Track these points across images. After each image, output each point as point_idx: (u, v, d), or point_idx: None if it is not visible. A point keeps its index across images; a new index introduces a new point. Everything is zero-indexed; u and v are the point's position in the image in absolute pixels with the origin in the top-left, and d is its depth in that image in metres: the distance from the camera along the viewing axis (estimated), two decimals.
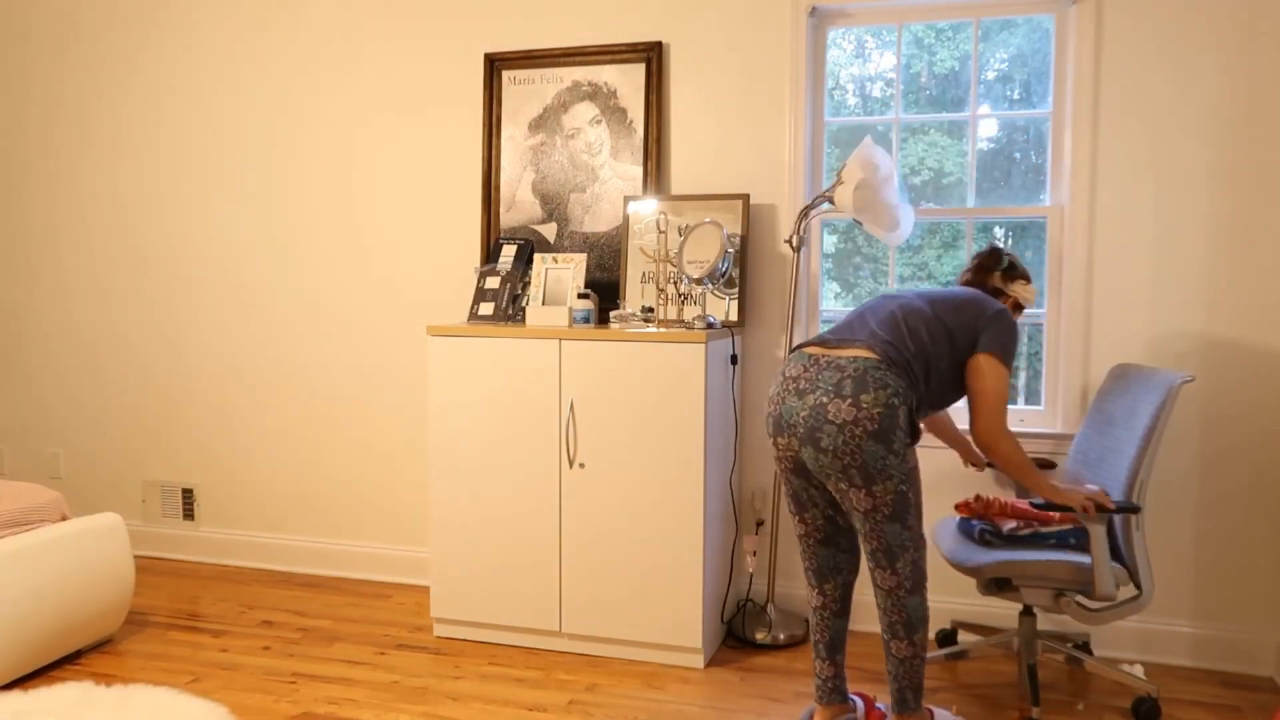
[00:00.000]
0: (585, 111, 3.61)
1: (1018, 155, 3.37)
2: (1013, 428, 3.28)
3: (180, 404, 4.25)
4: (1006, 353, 2.47)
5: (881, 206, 3.05)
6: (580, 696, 2.92)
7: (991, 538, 2.75)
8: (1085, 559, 2.64)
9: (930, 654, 3.04)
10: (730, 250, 3.17)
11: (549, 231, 3.67)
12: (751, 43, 3.45)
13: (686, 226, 3.33)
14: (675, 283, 3.24)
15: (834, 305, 3.55)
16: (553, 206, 3.66)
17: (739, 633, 3.35)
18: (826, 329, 2.69)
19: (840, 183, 3.09)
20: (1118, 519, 2.70)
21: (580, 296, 3.31)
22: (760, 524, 3.52)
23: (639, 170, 3.55)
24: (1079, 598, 2.73)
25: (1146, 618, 3.20)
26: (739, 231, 3.36)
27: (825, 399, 2.34)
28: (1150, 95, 3.11)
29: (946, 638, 3.29)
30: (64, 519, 3.21)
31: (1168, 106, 3.10)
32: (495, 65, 3.70)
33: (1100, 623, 2.70)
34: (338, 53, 3.93)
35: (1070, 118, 3.19)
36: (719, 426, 3.21)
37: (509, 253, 3.55)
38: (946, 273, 3.44)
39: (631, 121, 3.55)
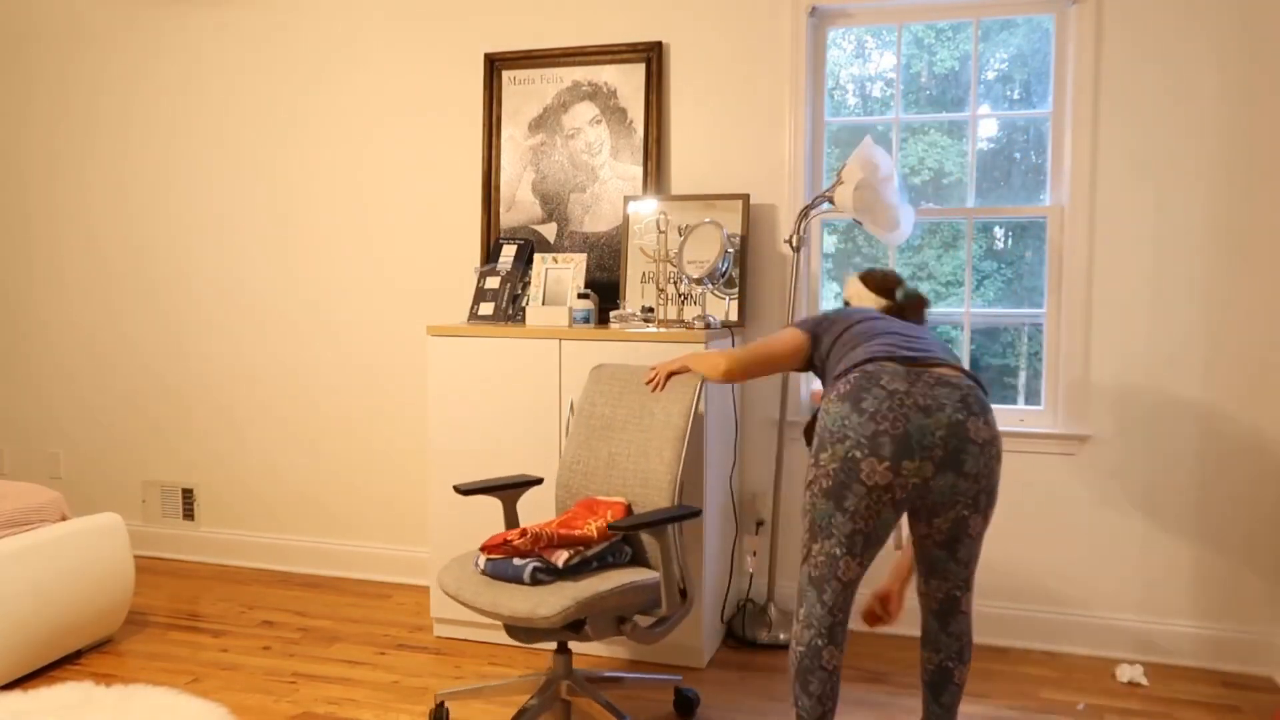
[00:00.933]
0: (585, 111, 3.61)
1: (1018, 155, 3.37)
2: (1013, 427, 3.29)
3: (180, 404, 4.25)
4: None
5: (881, 206, 3.05)
6: None
7: (545, 576, 2.45)
8: (653, 577, 2.52)
9: None
10: (730, 250, 3.17)
11: (549, 231, 3.67)
12: (751, 43, 3.45)
13: (686, 226, 3.33)
14: (675, 283, 3.24)
15: (834, 305, 3.55)
16: (553, 206, 3.66)
17: (739, 633, 3.35)
18: (875, 345, 2.28)
19: (840, 183, 3.09)
20: (671, 528, 2.49)
21: (580, 296, 3.31)
22: (760, 524, 3.52)
23: (639, 170, 3.55)
24: (637, 618, 2.55)
25: (1147, 617, 3.20)
26: (739, 231, 3.36)
27: (960, 415, 2.09)
28: (1150, 95, 3.11)
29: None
30: (64, 519, 3.21)
31: (1167, 106, 3.10)
32: (495, 65, 3.70)
33: (657, 640, 2.54)
34: (339, 54, 3.93)
35: (1070, 118, 3.19)
36: (719, 426, 3.20)
37: (509, 253, 3.55)
38: (946, 273, 3.44)
39: (631, 121, 3.55)
